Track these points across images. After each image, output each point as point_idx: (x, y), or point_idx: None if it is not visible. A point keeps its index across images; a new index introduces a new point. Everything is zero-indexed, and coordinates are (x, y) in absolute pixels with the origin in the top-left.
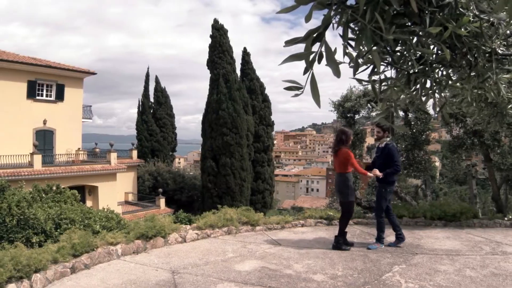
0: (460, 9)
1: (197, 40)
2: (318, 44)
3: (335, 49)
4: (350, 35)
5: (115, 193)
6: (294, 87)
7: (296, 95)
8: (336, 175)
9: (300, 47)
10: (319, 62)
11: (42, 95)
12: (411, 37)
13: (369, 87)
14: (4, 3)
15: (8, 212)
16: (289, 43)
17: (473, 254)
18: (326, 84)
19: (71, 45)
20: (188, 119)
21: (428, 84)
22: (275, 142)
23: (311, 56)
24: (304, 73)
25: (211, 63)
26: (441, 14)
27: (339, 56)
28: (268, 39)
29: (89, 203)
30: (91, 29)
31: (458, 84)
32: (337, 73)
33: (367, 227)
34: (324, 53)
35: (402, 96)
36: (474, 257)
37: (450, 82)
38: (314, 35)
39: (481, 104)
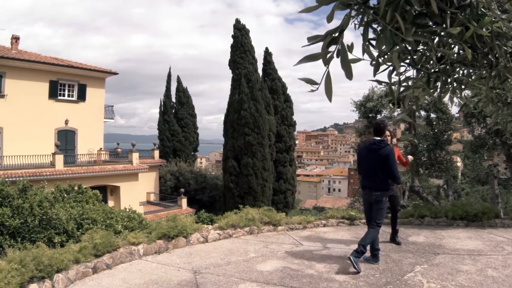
0: (482, 9)
1: (220, 40)
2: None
3: (352, 43)
4: (372, 35)
5: (137, 193)
6: (310, 82)
7: (312, 90)
8: None
9: (319, 47)
10: (337, 57)
11: (64, 95)
12: (432, 37)
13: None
14: (28, 4)
15: (30, 212)
16: (311, 39)
17: (495, 254)
18: (348, 84)
19: (94, 45)
20: (210, 119)
21: (448, 84)
22: (297, 142)
23: (328, 56)
24: (325, 65)
25: (233, 63)
26: (462, 14)
27: (359, 54)
28: (291, 39)
29: (111, 203)
30: (114, 29)
31: (476, 83)
32: (349, 76)
33: (388, 227)
34: (340, 55)
35: (421, 94)
36: (496, 257)
37: (470, 80)
38: (333, 36)
39: (499, 104)
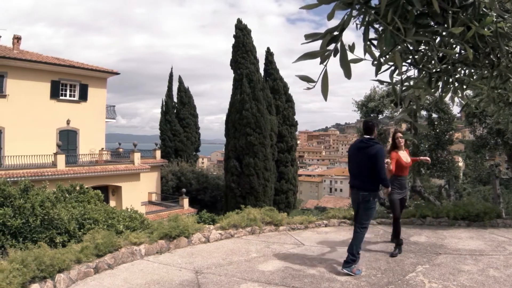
0: (483, 9)
1: (222, 40)
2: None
3: (353, 43)
4: (373, 35)
5: (138, 193)
6: (306, 80)
7: (308, 88)
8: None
9: (319, 45)
10: (334, 56)
11: (65, 95)
12: (434, 37)
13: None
14: (29, 4)
15: (31, 212)
16: (309, 37)
17: (496, 254)
18: (350, 84)
19: (96, 45)
20: (212, 119)
21: (450, 83)
22: (298, 142)
23: (325, 54)
24: (321, 63)
25: (235, 63)
26: (464, 14)
27: (360, 54)
28: (293, 39)
29: (112, 203)
30: (115, 29)
31: (478, 83)
32: (348, 75)
33: (390, 227)
34: (339, 54)
35: (423, 94)
36: (498, 257)
37: (471, 80)
38: (333, 34)
39: (500, 104)
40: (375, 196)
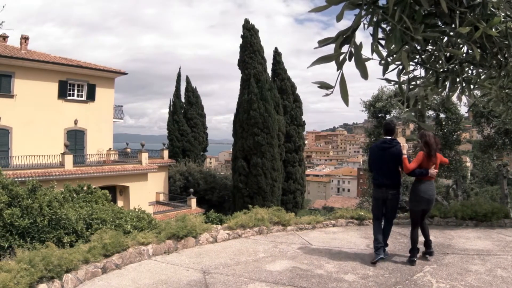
0: (491, 9)
1: (230, 40)
2: (348, 45)
3: (361, 43)
4: (381, 35)
5: (146, 193)
6: (325, 86)
7: (327, 94)
8: (432, 182)
9: (331, 48)
10: (349, 60)
11: (73, 95)
12: (441, 37)
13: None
14: (38, 4)
15: (39, 212)
16: (321, 43)
17: (504, 254)
18: (357, 84)
19: (105, 45)
20: (219, 119)
21: (457, 83)
22: (306, 142)
23: (341, 57)
24: (338, 69)
25: (242, 63)
26: (471, 14)
27: (367, 54)
28: (301, 39)
29: (120, 203)
30: (124, 29)
31: (486, 83)
32: (365, 76)
33: (397, 227)
34: (353, 55)
35: (430, 93)
36: (506, 257)
37: (478, 80)
38: (344, 37)
39: (509, 104)
40: (400, 192)
